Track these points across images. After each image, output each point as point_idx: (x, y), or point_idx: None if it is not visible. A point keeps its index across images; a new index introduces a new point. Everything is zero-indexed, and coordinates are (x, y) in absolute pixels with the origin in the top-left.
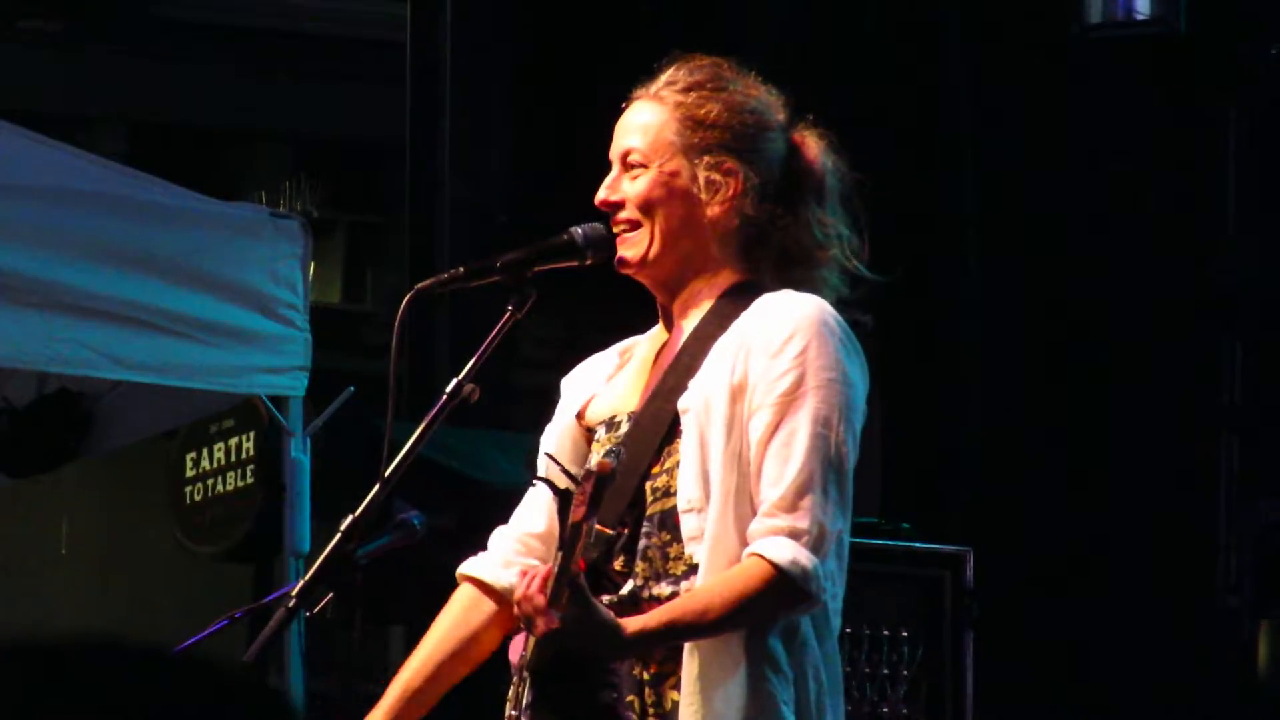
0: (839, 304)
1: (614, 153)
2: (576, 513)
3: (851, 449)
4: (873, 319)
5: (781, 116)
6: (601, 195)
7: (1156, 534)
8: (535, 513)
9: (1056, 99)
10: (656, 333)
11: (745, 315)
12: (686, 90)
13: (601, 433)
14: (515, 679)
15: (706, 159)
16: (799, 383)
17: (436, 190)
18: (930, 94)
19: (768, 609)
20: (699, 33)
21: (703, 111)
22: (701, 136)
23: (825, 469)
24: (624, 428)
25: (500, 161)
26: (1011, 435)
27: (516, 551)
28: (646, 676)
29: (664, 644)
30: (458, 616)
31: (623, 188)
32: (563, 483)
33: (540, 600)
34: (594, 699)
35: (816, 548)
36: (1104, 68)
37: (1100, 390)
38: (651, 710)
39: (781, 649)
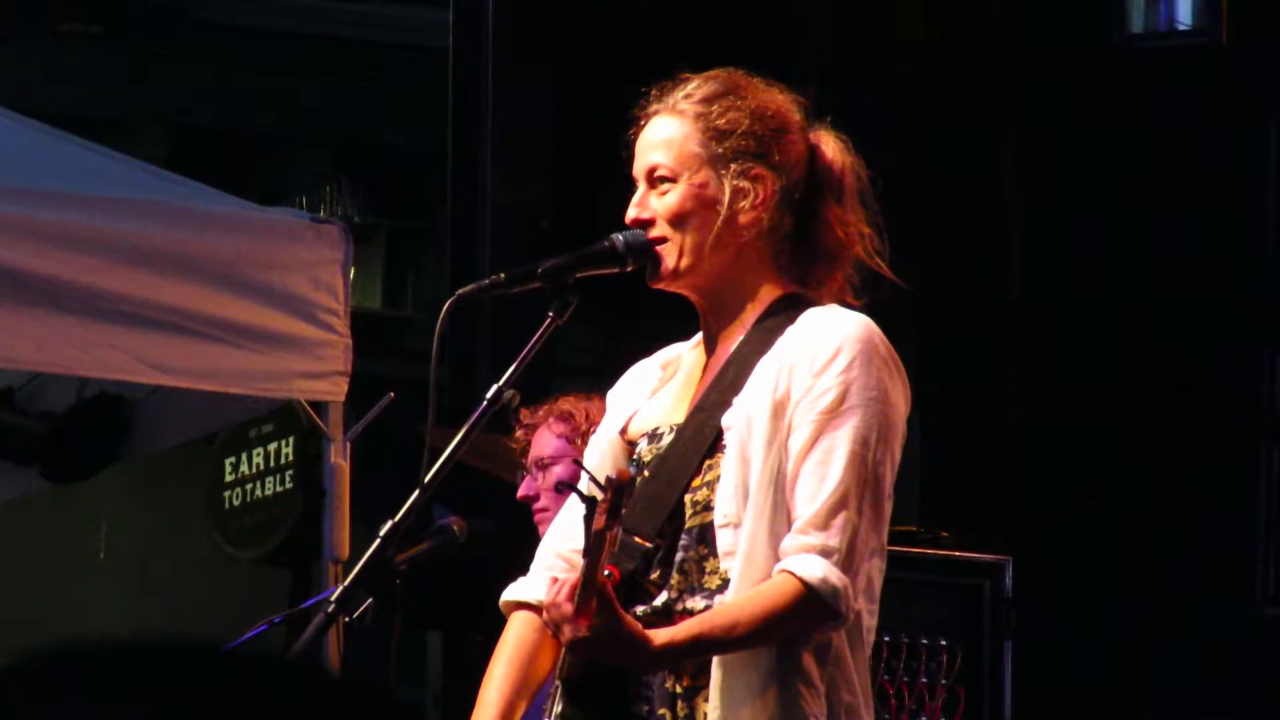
0: (867, 308)
1: (638, 170)
2: (598, 521)
3: (890, 469)
4: (912, 323)
5: (798, 118)
6: (631, 213)
7: (1196, 543)
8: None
9: (1097, 108)
10: (699, 343)
11: (790, 331)
12: (705, 101)
13: (643, 445)
14: (551, 688)
15: (733, 167)
16: (841, 400)
17: (478, 195)
18: (972, 100)
19: (796, 626)
20: (739, 49)
21: (724, 121)
22: (725, 146)
23: (861, 487)
24: (666, 440)
25: (542, 167)
26: (1051, 444)
27: (563, 569)
28: (679, 689)
29: (691, 658)
30: (513, 649)
31: (651, 204)
32: (593, 493)
33: (567, 608)
34: (626, 711)
35: (847, 566)
36: (1145, 78)
37: (1140, 399)
38: None
39: (813, 662)
